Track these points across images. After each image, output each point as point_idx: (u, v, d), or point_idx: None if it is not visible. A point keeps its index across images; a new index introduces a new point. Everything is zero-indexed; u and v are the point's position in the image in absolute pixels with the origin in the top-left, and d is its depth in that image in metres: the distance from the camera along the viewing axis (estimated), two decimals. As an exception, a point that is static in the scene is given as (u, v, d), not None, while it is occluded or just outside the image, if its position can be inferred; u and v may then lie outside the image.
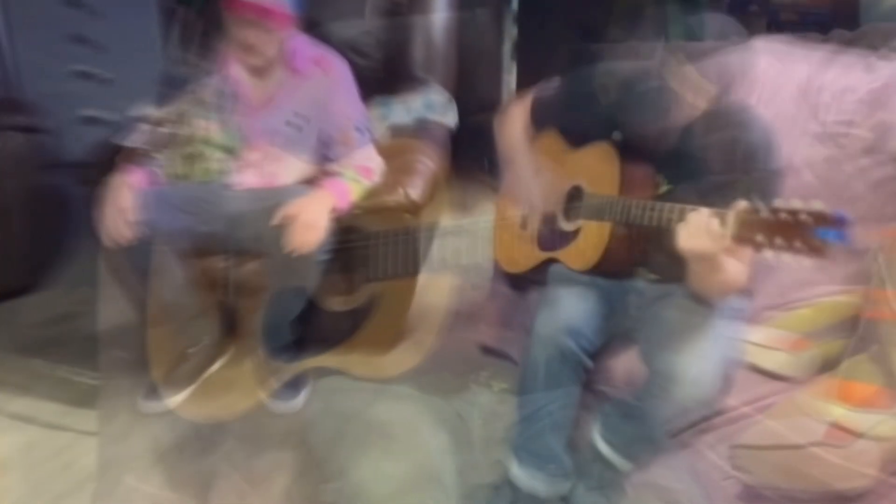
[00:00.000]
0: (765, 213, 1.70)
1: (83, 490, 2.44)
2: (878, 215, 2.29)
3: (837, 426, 1.94)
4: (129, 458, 2.51)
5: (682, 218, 1.92)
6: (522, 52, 4.16)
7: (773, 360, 2.13)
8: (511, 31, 4.27)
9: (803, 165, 2.44)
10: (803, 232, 1.64)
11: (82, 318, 3.17)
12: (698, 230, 1.86)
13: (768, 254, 1.69)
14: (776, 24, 3.14)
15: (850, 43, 2.58)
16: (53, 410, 2.74)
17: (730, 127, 2.09)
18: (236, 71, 2.69)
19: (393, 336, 2.91)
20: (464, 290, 3.29)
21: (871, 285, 2.08)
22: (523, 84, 3.98)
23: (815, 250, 1.62)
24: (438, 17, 3.27)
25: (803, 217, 1.64)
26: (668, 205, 1.99)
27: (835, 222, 1.61)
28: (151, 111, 2.96)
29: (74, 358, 2.96)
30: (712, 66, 2.04)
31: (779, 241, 1.67)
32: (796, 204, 1.67)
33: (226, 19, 2.58)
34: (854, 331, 2.09)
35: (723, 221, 1.81)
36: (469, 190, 4.07)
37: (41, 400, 2.78)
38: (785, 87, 2.57)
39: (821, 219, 1.63)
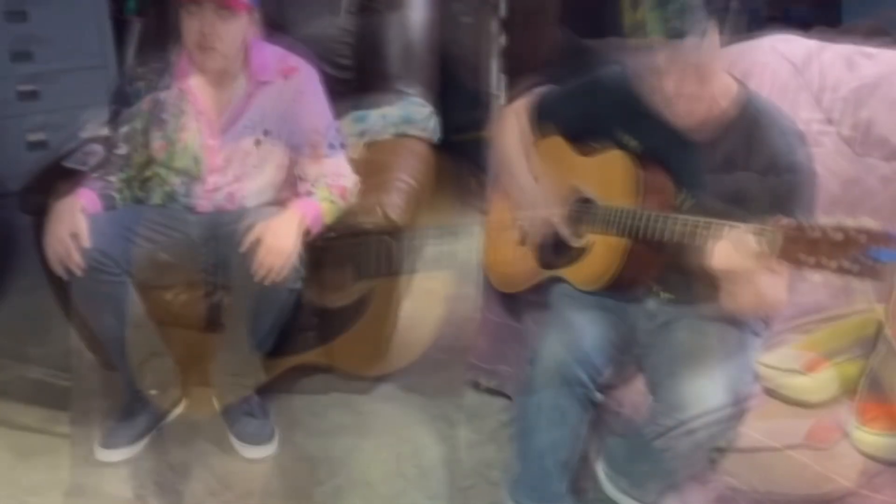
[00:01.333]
0: (812, 231, 1.68)
1: (57, 487, 2.53)
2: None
3: (821, 425, 1.97)
4: None
5: (716, 235, 1.90)
6: (512, 61, 4.12)
7: (788, 384, 2.10)
8: (499, 40, 4.23)
9: (825, 169, 2.40)
10: (855, 251, 1.61)
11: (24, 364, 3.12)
12: (738, 249, 1.84)
13: (815, 275, 1.67)
14: (757, 22, 3.14)
15: (831, 41, 2.62)
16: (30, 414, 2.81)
17: (758, 134, 2.06)
18: (195, 84, 2.62)
19: (382, 336, 2.91)
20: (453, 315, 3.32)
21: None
22: (514, 94, 3.98)
23: (868, 271, 1.60)
24: (419, 23, 3.24)
25: (854, 235, 1.61)
26: (701, 220, 1.95)
27: (889, 241, 1.59)
28: (103, 131, 2.91)
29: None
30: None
31: (826, 261, 1.64)
32: (847, 221, 1.64)
33: (181, 17, 2.50)
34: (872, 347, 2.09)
35: (765, 239, 1.78)
36: (455, 211, 4.05)
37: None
38: (797, 88, 2.58)
39: (874, 237, 1.60)
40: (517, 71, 4.06)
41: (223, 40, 2.50)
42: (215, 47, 2.51)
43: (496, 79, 4.39)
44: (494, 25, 4.24)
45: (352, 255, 2.69)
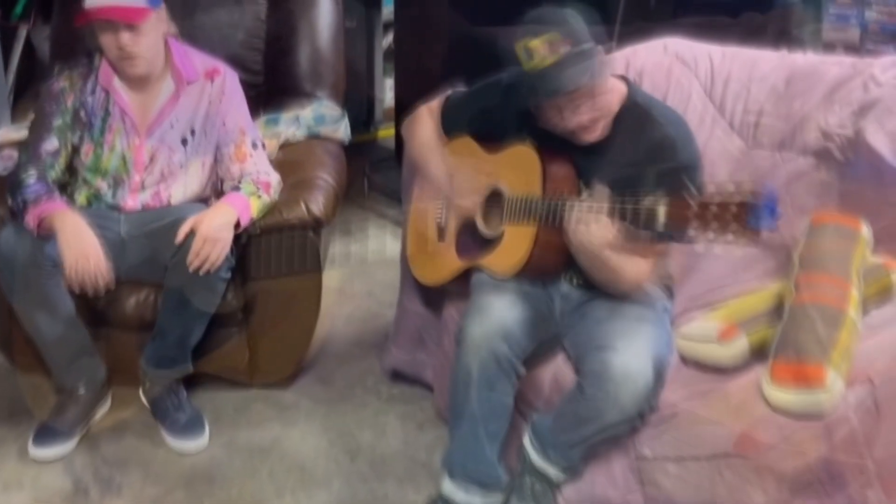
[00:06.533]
0: (695, 205, 1.93)
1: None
2: (796, 208, 2.66)
3: (749, 434, 2.11)
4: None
5: (578, 214, 2.22)
6: (401, 60, 4.38)
7: (703, 352, 2.34)
8: (382, 42, 4.55)
9: (718, 157, 2.78)
10: (736, 222, 1.86)
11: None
12: (594, 226, 2.17)
13: (700, 246, 1.94)
14: (685, 7, 3.33)
15: (760, 27, 2.86)
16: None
17: (645, 123, 2.38)
18: (120, 85, 2.84)
19: (303, 338, 3.19)
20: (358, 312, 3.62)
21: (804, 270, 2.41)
22: (404, 92, 4.23)
23: (749, 238, 1.86)
24: (326, 28, 3.50)
25: (735, 207, 1.87)
26: (585, 203, 2.24)
27: (767, 207, 1.84)
28: (16, 135, 3.11)
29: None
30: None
31: (711, 233, 1.90)
32: (728, 189, 1.89)
33: (95, 32, 2.72)
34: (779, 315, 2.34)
35: (652, 216, 2.05)
36: (349, 211, 4.35)
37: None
38: (690, 85, 2.93)
39: (753, 206, 1.85)
40: (407, 71, 4.37)
41: (141, 46, 2.73)
42: (136, 55, 2.74)
43: (380, 82, 4.75)
44: (378, 29, 4.60)
45: (276, 250, 2.94)
